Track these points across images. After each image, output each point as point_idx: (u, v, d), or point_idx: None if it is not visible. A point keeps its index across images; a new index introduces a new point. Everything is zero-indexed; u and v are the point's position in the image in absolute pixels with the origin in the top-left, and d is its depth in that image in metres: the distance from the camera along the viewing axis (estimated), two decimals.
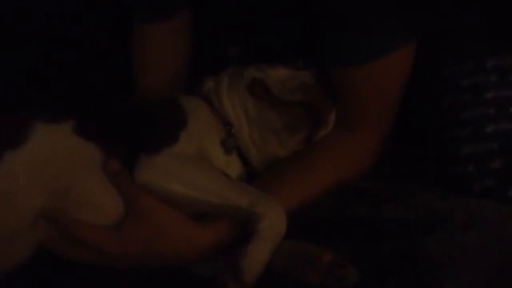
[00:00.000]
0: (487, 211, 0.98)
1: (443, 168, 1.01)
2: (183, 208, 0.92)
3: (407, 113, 1.03)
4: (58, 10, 1.21)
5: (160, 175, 0.91)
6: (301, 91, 0.99)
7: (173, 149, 0.94)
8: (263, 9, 1.07)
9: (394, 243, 0.96)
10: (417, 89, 1.03)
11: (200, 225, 0.92)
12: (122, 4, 1.14)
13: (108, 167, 0.92)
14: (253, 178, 1.02)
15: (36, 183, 0.91)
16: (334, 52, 0.99)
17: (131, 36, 1.14)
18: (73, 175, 0.92)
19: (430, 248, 0.95)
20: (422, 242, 0.95)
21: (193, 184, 0.91)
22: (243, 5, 1.10)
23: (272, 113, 0.98)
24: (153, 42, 1.13)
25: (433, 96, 1.03)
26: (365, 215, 1.00)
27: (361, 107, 1.01)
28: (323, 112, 1.00)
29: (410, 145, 1.06)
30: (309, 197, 0.98)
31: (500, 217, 0.98)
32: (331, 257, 0.89)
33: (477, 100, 0.99)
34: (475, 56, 1.00)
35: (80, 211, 0.92)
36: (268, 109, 0.99)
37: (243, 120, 1.01)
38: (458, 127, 0.99)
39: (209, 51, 1.15)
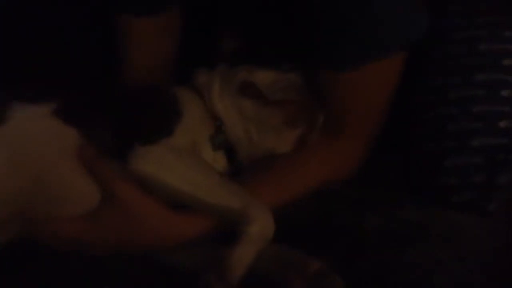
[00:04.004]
0: (466, 225, 0.99)
1: (425, 179, 1.01)
2: (172, 200, 0.92)
3: (394, 122, 1.03)
4: None
5: (155, 165, 0.90)
6: (292, 91, 0.99)
7: (168, 142, 0.93)
8: (257, 8, 1.06)
9: (375, 254, 0.97)
10: (404, 99, 1.03)
11: (179, 215, 0.92)
12: None
13: (83, 153, 0.91)
14: (236, 176, 1.01)
15: (15, 165, 0.89)
16: (322, 56, 0.98)
17: (117, 29, 1.11)
18: (49, 160, 0.90)
19: (409, 261, 0.95)
20: (402, 254, 0.96)
21: (187, 179, 0.91)
22: (237, 3, 1.09)
23: (270, 108, 0.98)
24: (139, 37, 1.11)
25: (420, 107, 1.02)
26: (348, 224, 1.00)
27: (347, 112, 1.00)
28: (315, 112, 1.00)
29: (396, 154, 1.06)
30: (289, 198, 0.98)
31: (479, 232, 0.99)
32: (318, 266, 0.89)
33: (464, 114, 0.98)
34: (462, 70, 1.00)
35: (55, 201, 0.91)
36: (265, 106, 0.98)
37: (237, 119, 1.00)
38: (444, 139, 0.99)
39: (203, 42, 1.13)
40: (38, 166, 0.90)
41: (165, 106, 0.99)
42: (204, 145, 1.00)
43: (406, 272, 0.95)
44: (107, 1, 1.11)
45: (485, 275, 0.96)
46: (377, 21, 0.93)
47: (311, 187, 1.01)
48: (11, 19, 1.18)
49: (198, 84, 1.04)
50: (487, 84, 0.99)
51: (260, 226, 0.88)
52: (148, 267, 0.95)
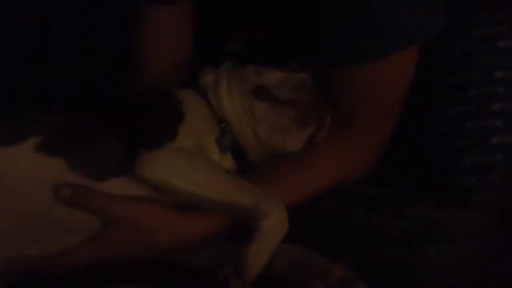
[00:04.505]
0: (485, 224, 0.98)
1: (444, 177, 1.00)
2: (183, 202, 0.91)
3: (411, 120, 1.01)
4: None
5: (163, 170, 0.89)
6: (301, 91, 0.98)
7: (174, 145, 0.92)
8: (264, 5, 1.04)
9: (390, 253, 0.96)
10: (423, 97, 1.01)
11: (188, 215, 0.91)
12: None
13: (59, 196, 0.88)
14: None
15: (4, 207, 0.87)
16: (334, 52, 0.97)
17: (135, 21, 1.10)
18: (39, 196, 0.88)
19: (427, 260, 0.94)
20: (419, 253, 0.95)
21: (195, 180, 0.90)
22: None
23: (281, 109, 0.96)
24: (156, 28, 1.10)
25: (439, 105, 1.01)
26: (363, 223, 0.99)
27: (361, 110, 0.99)
28: (323, 112, 0.98)
29: (413, 152, 1.05)
30: (303, 197, 0.97)
31: (498, 231, 0.98)
32: (343, 272, 0.87)
33: (483, 111, 0.97)
34: (482, 66, 0.99)
35: (56, 236, 0.89)
36: (276, 106, 0.97)
37: (245, 119, 0.99)
38: (463, 138, 0.98)
39: (207, 43, 1.11)
40: (28, 204, 0.88)
41: (167, 108, 0.98)
42: (210, 147, 0.98)
43: (425, 272, 0.93)
44: None
45: (505, 274, 0.95)
46: (390, 15, 0.92)
47: (325, 187, 0.99)
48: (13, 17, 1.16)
49: (203, 83, 1.03)
50: (506, 81, 0.97)
51: (274, 221, 0.87)
52: (161, 263, 0.94)
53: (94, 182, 0.90)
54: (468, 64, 1.00)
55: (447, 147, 1.00)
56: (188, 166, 0.91)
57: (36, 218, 0.88)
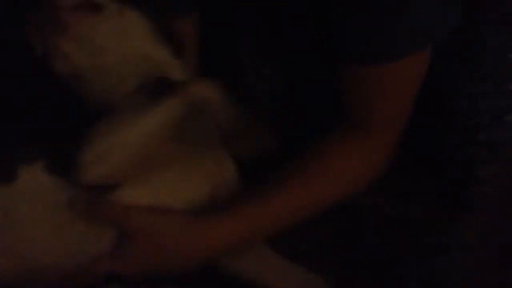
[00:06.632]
0: (498, 234, 0.99)
1: (457, 188, 1.01)
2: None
3: (422, 129, 1.02)
4: None
5: (99, 161, 0.86)
6: None
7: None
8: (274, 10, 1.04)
9: (407, 271, 0.97)
10: (433, 107, 1.02)
11: (205, 221, 0.90)
12: None
13: (75, 209, 0.88)
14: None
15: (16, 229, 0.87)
16: (349, 52, 0.94)
17: None
18: (52, 217, 0.88)
19: (443, 273, 0.96)
20: (435, 267, 0.96)
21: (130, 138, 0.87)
22: (254, 9, 1.06)
23: None
24: None
25: (449, 115, 1.01)
26: (379, 244, 1.00)
27: (373, 111, 0.97)
28: None
29: (424, 162, 1.05)
30: (312, 210, 0.95)
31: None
32: None
33: (496, 123, 0.98)
34: (494, 77, 0.99)
35: (74, 255, 0.89)
36: None
37: None
38: (475, 148, 0.99)
39: (223, 58, 1.11)
40: (40, 227, 0.88)
41: None
42: None
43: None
44: None
45: None
46: (405, 16, 0.89)
47: (333, 197, 0.97)
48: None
49: None
50: None
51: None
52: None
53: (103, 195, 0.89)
54: (480, 74, 1.00)
55: (460, 158, 1.00)
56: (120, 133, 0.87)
57: (50, 240, 0.88)
